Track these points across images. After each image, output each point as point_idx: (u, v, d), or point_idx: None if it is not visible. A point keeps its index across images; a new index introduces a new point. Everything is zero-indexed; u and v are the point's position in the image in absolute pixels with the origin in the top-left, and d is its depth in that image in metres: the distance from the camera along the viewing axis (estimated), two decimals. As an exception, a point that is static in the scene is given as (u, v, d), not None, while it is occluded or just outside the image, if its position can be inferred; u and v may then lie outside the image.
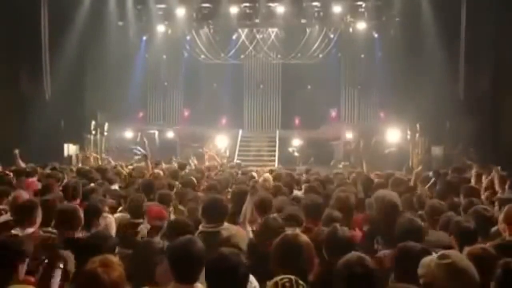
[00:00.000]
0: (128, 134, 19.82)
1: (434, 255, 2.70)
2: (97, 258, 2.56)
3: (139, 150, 16.22)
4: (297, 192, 7.01)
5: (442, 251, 2.67)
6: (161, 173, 8.31)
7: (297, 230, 4.34)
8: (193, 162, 13.56)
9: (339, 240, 3.58)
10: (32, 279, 3.21)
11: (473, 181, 7.62)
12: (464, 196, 5.73)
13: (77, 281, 2.56)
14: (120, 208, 5.99)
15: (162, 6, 19.71)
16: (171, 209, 5.71)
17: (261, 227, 4.28)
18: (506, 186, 6.52)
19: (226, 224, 4.58)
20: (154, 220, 4.88)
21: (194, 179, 7.52)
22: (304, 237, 3.16)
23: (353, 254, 2.99)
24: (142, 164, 10.12)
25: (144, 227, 5.01)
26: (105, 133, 18.37)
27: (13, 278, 3.06)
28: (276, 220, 4.25)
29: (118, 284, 2.52)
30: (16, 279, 3.07)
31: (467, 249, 3.32)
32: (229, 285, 2.78)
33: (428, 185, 7.61)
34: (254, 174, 9.29)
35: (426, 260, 2.63)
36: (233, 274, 2.78)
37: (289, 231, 3.66)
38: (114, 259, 2.61)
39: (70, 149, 16.90)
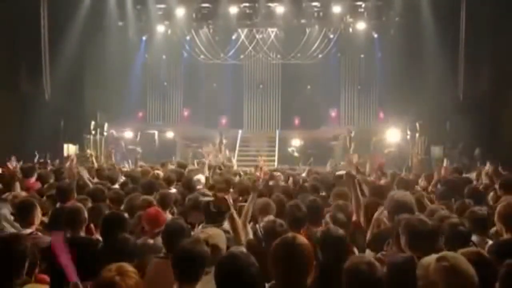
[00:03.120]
0: (128, 134, 19.82)
1: (433, 256, 2.66)
2: (113, 266, 2.58)
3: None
4: None
5: (441, 253, 2.60)
6: (161, 173, 8.29)
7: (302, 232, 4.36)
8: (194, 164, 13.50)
9: (332, 240, 3.57)
10: (47, 278, 3.22)
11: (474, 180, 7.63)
12: (467, 197, 5.70)
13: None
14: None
15: (162, 6, 19.70)
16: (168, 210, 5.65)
17: (266, 231, 4.26)
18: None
19: (226, 224, 4.58)
20: (147, 224, 4.76)
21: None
22: (303, 240, 3.09)
23: (362, 260, 2.97)
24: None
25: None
26: (105, 133, 18.38)
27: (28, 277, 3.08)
28: (282, 226, 4.25)
29: None
30: (28, 279, 3.09)
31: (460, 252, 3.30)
32: (239, 286, 2.78)
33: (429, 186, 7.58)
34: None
35: (424, 262, 2.56)
36: (243, 274, 2.77)
37: (289, 233, 3.63)
38: (130, 267, 2.62)
39: (69, 149, 16.89)
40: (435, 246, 3.52)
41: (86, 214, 4.41)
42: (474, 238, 4.15)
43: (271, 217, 4.73)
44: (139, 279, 2.58)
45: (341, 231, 3.67)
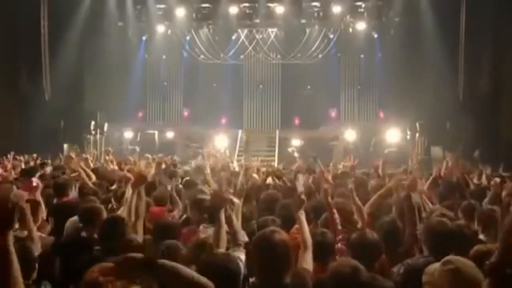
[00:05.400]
0: (128, 134, 19.82)
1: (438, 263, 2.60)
2: (96, 267, 2.53)
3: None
4: None
5: (447, 257, 2.54)
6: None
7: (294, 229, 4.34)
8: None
9: (367, 245, 3.53)
10: None
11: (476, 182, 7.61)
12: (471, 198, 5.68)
13: None
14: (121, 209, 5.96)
15: (162, 6, 19.74)
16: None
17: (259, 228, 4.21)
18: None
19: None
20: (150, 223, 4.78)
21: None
22: (283, 235, 3.01)
23: (347, 263, 2.96)
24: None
25: None
26: (105, 133, 18.37)
27: None
28: (274, 221, 4.22)
29: None
30: None
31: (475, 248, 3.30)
32: (222, 286, 2.76)
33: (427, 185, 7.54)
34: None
35: (430, 268, 2.52)
36: (226, 274, 2.77)
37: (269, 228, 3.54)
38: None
39: (69, 149, 16.87)
40: (455, 248, 3.46)
41: (105, 215, 4.41)
42: (483, 237, 4.15)
43: None
44: (125, 280, 2.54)
45: (376, 236, 3.63)
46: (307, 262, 3.28)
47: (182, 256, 3.34)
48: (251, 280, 3.06)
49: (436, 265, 2.47)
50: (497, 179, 6.41)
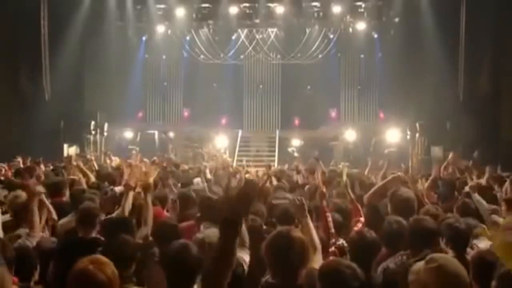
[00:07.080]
0: (128, 134, 19.81)
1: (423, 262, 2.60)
2: (86, 258, 2.52)
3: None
4: None
5: (430, 255, 2.56)
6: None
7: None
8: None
9: (368, 244, 3.53)
10: (15, 279, 3.17)
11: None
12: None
13: (68, 281, 2.49)
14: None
15: (162, 6, 19.74)
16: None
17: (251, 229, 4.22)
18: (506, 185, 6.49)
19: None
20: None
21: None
22: (298, 232, 3.08)
23: (342, 263, 2.95)
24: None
25: None
26: (105, 133, 18.36)
27: None
28: (255, 221, 4.23)
29: (111, 281, 2.47)
30: None
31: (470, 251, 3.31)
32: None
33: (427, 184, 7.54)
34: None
35: (415, 267, 2.52)
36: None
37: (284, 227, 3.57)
38: (104, 259, 2.55)
39: (69, 149, 16.88)
40: (433, 245, 3.48)
41: (101, 216, 4.41)
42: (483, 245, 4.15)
43: None
44: (115, 270, 2.52)
45: (374, 235, 3.63)
46: (317, 263, 3.30)
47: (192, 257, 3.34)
48: (263, 279, 3.07)
49: (421, 264, 2.47)
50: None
